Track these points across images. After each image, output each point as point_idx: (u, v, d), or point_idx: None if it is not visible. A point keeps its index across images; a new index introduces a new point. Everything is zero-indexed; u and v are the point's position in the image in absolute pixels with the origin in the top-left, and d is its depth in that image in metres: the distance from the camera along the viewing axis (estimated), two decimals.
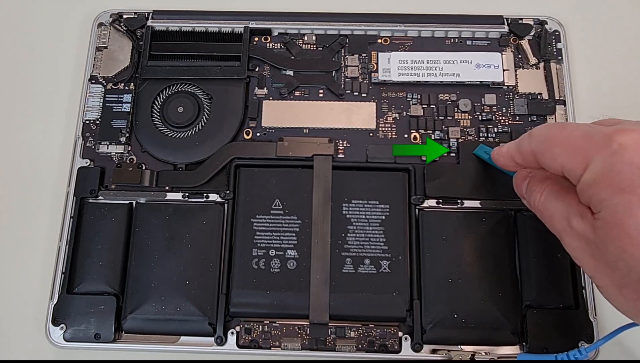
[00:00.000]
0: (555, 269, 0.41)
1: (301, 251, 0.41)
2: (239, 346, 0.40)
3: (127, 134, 0.45)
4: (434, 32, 0.48)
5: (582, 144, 0.31)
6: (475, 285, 0.40)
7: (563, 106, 0.46)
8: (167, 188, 0.44)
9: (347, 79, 0.47)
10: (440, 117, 0.46)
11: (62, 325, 0.41)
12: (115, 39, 0.48)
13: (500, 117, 0.46)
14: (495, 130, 0.45)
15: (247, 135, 0.45)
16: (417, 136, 0.45)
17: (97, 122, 0.46)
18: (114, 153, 0.45)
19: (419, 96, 0.46)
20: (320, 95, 0.46)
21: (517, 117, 0.45)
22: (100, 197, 0.44)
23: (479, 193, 0.43)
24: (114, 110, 0.46)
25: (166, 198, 0.43)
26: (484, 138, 0.45)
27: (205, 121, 0.45)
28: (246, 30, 0.47)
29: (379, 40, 0.48)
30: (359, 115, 0.46)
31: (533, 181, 0.36)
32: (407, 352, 0.40)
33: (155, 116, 0.46)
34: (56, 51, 0.50)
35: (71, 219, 0.43)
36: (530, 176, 0.37)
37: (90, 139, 0.45)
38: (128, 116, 0.46)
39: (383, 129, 0.45)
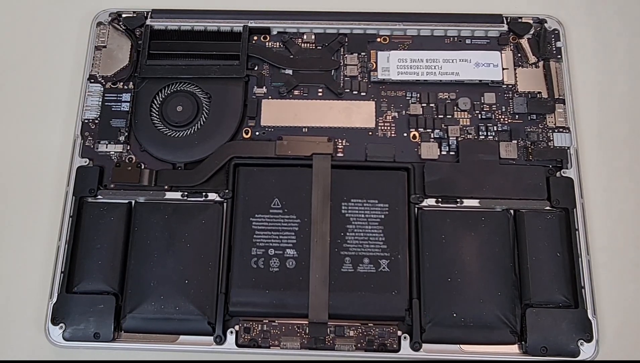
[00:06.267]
0: (554, 268, 0.41)
1: (300, 250, 0.41)
2: (238, 345, 0.40)
3: (126, 134, 0.45)
4: (433, 31, 0.48)
5: None
6: (475, 284, 0.40)
7: (562, 104, 0.46)
8: (166, 187, 0.44)
9: (346, 78, 0.47)
10: (439, 116, 0.45)
11: (61, 325, 0.41)
12: (114, 38, 0.48)
13: (500, 116, 0.45)
14: (495, 129, 0.45)
15: (246, 134, 0.45)
16: (417, 135, 0.45)
17: (96, 121, 0.46)
18: (113, 152, 0.45)
19: (418, 94, 0.46)
20: (320, 94, 0.46)
21: (517, 116, 0.45)
22: (99, 196, 0.44)
23: (479, 192, 0.43)
24: (113, 109, 0.46)
25: (165, 197, 0.43)
26: (483, 136, 0.45)
27: (204, 120, 0.45)
28: (245, 29, 0.47)
29: (378, 39, 0.48)
30: (358, 114, 0.46)
31: None
32: (406, 351, 0.40)
33: (154, 115, 0.46)
34: (55, 50, 0.50)
35: (70, 219, 0.43)
36: None
37: (89, 138, 0.45)
38: (127, 115, 0.46)
39: (382, 128, 0.45)
